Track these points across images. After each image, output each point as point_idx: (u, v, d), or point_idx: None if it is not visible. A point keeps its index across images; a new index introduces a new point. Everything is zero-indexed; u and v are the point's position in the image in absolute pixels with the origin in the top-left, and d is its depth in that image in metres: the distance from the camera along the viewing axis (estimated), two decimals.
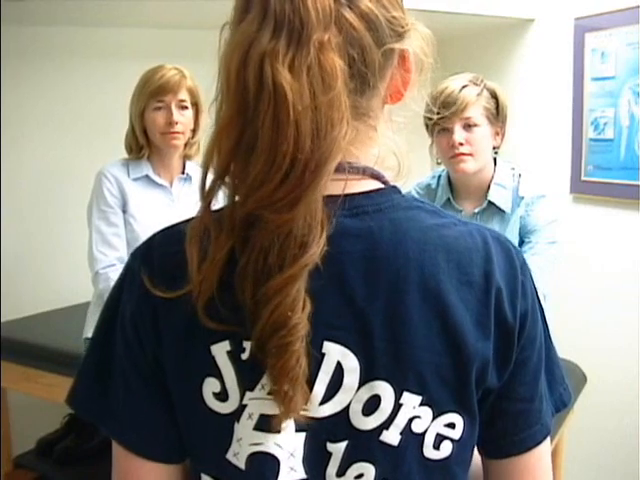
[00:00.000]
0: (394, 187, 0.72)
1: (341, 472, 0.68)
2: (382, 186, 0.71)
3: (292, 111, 0.58)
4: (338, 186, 0.65)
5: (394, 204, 0.70)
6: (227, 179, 0.63)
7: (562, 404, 0.79)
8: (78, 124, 2.78)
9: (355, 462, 0.68)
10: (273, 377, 0.62)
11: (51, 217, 2.80)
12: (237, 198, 0.63)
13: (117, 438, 0.73)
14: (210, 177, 0.65)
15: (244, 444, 0.67)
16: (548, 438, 0.77)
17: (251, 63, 0.59)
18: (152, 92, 2.06)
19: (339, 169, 0.64)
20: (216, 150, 0.62)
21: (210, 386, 0.68)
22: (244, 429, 0.67)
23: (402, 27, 0.68)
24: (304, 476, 0.68)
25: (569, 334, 2.42)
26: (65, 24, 2.67)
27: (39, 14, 2.46)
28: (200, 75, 2.00)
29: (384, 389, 0.66)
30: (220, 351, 0.67)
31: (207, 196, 0.65)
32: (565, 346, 2.23)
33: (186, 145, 2.18)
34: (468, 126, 1.87)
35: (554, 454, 2.14)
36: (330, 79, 0.59)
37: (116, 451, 0.74)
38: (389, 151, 0.71)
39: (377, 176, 0.71)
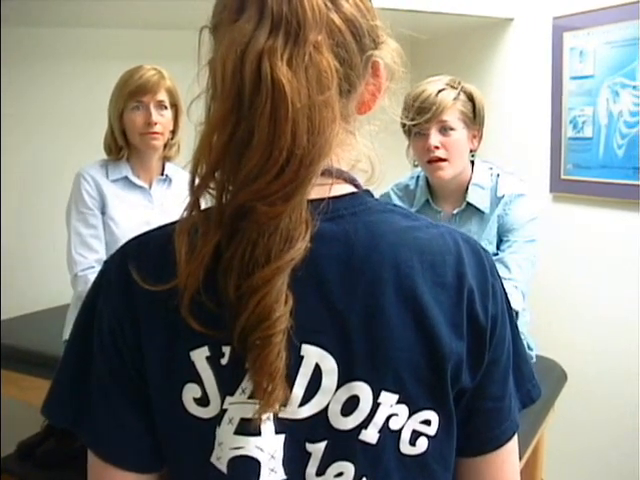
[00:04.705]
0: (367, 191, 0.73)
1: (321, 471, 0.69)
2: (356, 190, 0.72)
3: (291, 108, 0.59)
4: (315, 190, 0.65)
5: (368, 207, 0.71)
6: (217, 175, 0.63)
7: (530, 400, 0.81)
8: (67, 124, 2.76)
9: (335, 461, 0.69)
10: (254, 371, 0.62)
11: (35, 219, 2.77)
12: (227, 194, 0.63)
13: (92, 447, 0.73)
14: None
15: (225, 448, 0.68)
16: (516, 434, 0.78)
17: (248, 60, 0.60)
18: (130, 92, 2.05)
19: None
20: (208, 146, 0.63)
21: (191, 392, 0.68)
22: (225, 434, 0.67)
23: (378, 37, 0.70)
24: (284, 477, 0.69)
25: (549, 332, 2.44)
26: (50, 25, 2.64)
27: (24, 15, 2.43)
28: (182, 76, 1.98)
29: (362, 389, 0.67)
30: (199, 357, 0.67)
31: (197, 191, 0.65)
32: (545, 344, 2.26)
33: (165, 146, 2.16)
34: (444, 129, 1.88)
35: (535, 452, 2.15)
36: (326, 80, 0.62)
37: (91, 459, 0.74)
38: (363, 155, 0.72)
39: (351, 180, 0.72)
